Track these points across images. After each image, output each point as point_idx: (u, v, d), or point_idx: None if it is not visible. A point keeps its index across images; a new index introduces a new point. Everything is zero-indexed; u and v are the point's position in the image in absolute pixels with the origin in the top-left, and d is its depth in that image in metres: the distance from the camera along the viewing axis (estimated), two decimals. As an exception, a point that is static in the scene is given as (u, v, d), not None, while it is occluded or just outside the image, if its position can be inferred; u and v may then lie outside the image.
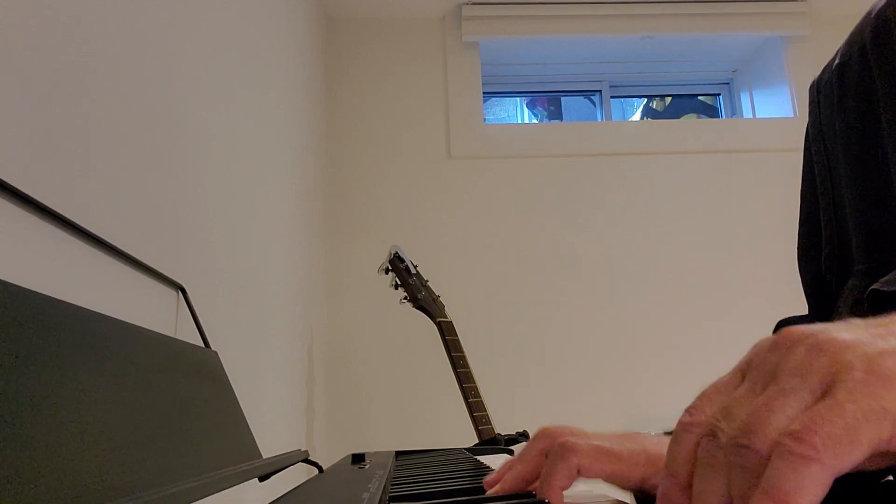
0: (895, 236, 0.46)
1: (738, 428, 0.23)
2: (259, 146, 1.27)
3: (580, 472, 0.41)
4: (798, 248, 0.59)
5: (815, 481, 0.20)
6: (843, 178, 0.52)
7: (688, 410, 0.27)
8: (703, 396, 0.28)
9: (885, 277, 0.42)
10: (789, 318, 0.59)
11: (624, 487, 0.43)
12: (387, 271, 1.62)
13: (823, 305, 0.55)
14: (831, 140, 0.54)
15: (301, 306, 1.66)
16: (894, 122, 0.47)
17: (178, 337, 0.69)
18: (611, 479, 0.42)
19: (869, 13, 0.52)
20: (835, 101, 0.53)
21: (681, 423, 0.27)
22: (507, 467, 0.46)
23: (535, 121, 2.70)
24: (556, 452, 0.41)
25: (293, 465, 0.64)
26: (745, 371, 0.27)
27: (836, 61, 0.55)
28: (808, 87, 0.58)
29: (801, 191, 0.59)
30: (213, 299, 0.91)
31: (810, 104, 0.57)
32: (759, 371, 0.26)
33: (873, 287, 0.42)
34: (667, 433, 0.44)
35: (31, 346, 0.33)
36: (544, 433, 0.45)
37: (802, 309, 0.59)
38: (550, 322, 2.16)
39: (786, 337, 0.26)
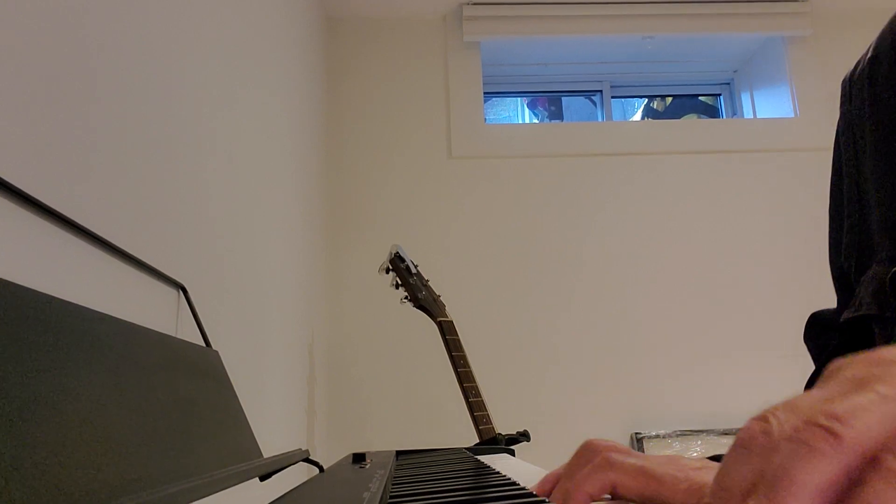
0: None
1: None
2: (260, 145, 1.27)
3: (616, 489, 0.40)
4: (829, 243, 0.59)
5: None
6: (869, 169, 0.52)
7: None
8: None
9: None
10: (821, 311, 0.59)
11: None
12: (387, 271, 1.62)
13: (847, 296, 0.55)
14: (860, 132, 0.54)
15: (302, 305, 1.66)
16: None
17: (179, 336, 0.69)
18: (648, 501, 0.40)
19: None
20: (866, 93, 0.54)
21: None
22: (551, 481, 0.45)
23: (535, 121, 2.70)
24: (597, 464, 0.40)
25: (294, 464, 0.64)
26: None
27: (869, 55, 0.55)
28: (841, 82, 0.58)
29: (830, 186, 0.59)
30: (214, 298, 0.91)
31: (842, 97, 0.57)
32: None
33: (894, 270, 0.43)
34: (714, 458, 0.42)
35: (32, 344, 0.33)
36: (589, 447, 0.43)
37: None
38: (551, 321, 2.16)
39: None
